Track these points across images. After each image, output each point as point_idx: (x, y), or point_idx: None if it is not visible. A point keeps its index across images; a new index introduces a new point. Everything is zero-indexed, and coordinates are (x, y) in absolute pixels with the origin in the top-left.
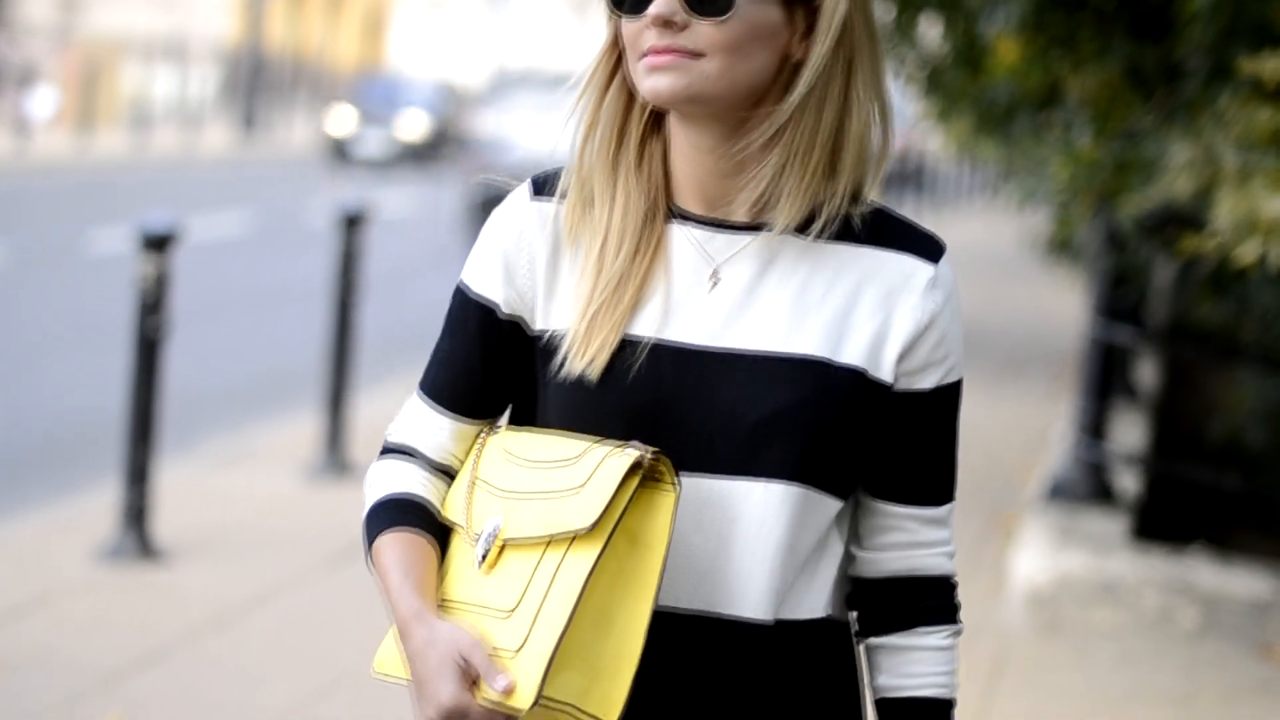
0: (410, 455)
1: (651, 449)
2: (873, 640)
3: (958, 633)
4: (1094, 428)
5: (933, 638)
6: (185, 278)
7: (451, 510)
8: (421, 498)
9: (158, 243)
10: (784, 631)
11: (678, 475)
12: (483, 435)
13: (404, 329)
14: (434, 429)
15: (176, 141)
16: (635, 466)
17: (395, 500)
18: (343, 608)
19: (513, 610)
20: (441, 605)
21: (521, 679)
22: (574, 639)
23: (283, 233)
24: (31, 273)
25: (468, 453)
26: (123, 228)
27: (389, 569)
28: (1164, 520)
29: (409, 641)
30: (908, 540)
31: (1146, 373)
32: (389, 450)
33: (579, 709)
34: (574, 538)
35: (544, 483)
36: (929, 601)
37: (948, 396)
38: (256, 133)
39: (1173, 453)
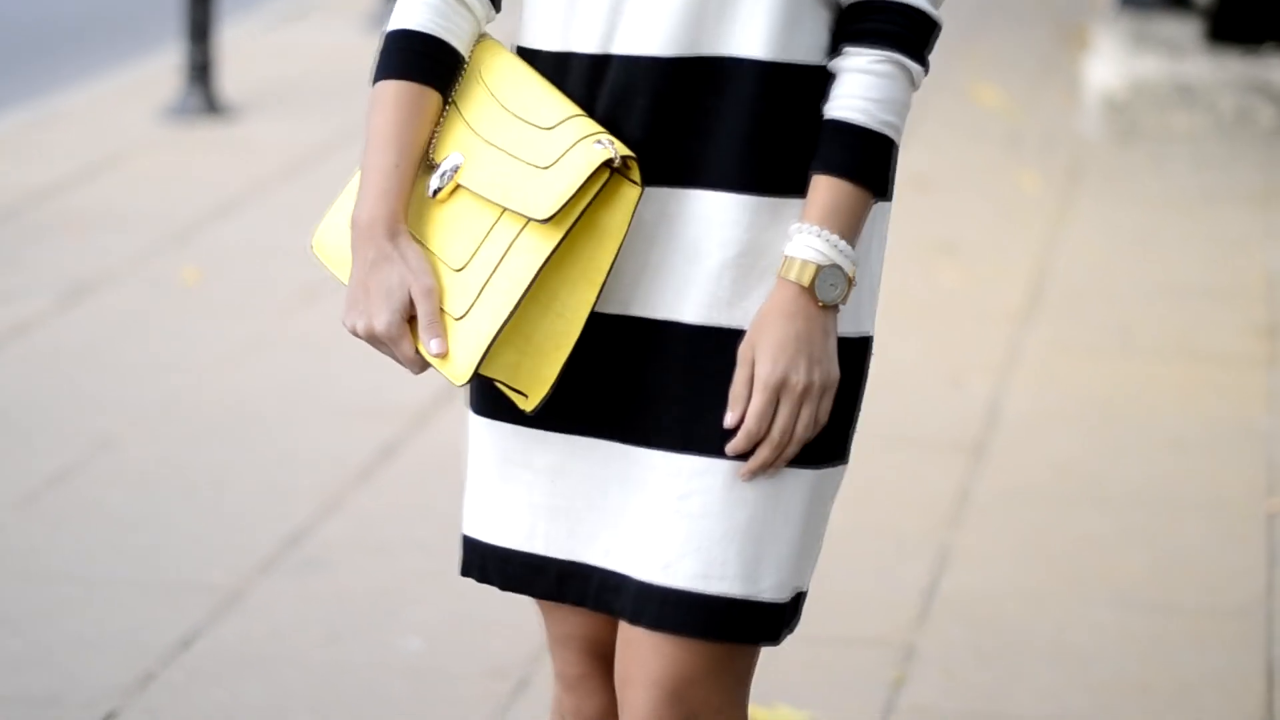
0: None
1: (625, 152)
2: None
3: (897, 62)
4: None
5: (856, 59)
6: None
7: None
8: (443, 32)
9: None
10: (781, 75)
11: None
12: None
13: None
14: None
15: None
16: (606, 164)
17: (414, 37)
18: None
19: (461, 270)
20: None
21: (459, 352)
22: (515, 318)
23: None
24: None
25: None
26: None
27: (384, 141)
28: (1238, 22)
29: (369, 245)
30: None
31: None
32: None
33: (508, 384)
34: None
35: (513, 139)
36: (865, 24)
37: None
38: None
39: None
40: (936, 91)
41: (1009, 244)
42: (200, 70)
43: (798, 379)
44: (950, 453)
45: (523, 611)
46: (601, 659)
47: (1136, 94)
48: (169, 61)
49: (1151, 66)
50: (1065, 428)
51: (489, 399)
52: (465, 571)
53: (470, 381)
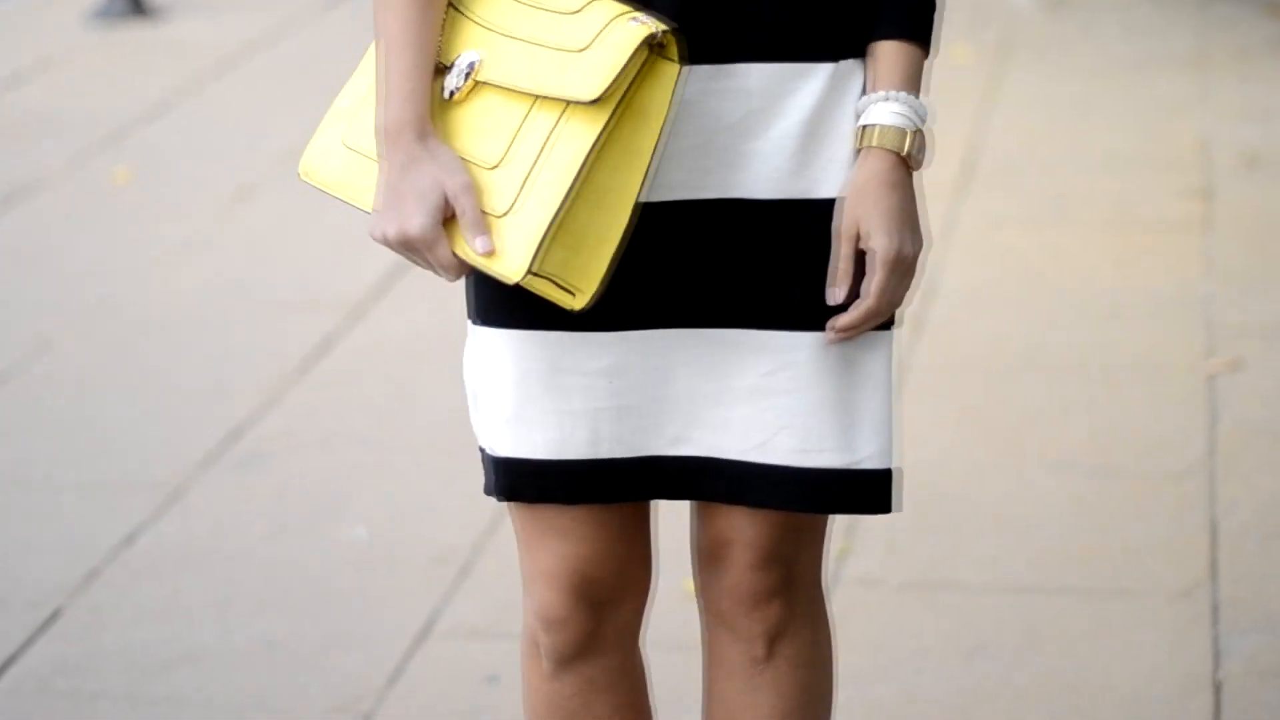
0: None
1: (665, 25)
2: None
3: None
4: None
5: None
6: None
7: None
8: None
9: None
10: None
11: (684, 53)
12: None
13: None
14: None
15: None
16: (647, 40)
17: None
18: (340, 46)
19: (497, 166)
20: None
21: (510, 248)
22: (565, 211)
23: None
24: None
25: None
26: None
27: (401, 42)
28: None
29: (397, 149)
30: None
31: None
32: None
33: (560, 280)
34: (569, 103)
35: (536, 28)
36: None
37: None
38: None
39: None
40: None
41: (942, 118)
42: None
43: (909, 250)
44: None
45: (464, 498)
46: (583, 598)
47: None
48: None
49: None
50: (1002, 299)
51: (522, 309)
52: (510, 496)
53: (520, 281)
